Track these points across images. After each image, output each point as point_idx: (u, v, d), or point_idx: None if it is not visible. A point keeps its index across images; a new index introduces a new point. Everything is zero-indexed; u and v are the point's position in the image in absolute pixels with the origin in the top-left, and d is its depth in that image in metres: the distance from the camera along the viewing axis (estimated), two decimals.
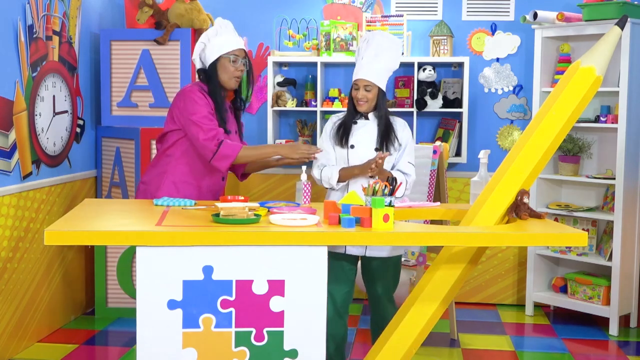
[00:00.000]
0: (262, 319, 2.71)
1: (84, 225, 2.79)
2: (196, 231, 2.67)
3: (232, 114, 3.73)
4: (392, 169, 3.53)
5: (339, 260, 3.49)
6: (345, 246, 3.45)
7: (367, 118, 3.54)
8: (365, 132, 3.52)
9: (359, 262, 3.61)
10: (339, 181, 3.49)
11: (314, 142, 5.36)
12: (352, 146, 3.51)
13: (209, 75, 3.59)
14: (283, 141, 5.25)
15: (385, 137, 3.50)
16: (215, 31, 3.60)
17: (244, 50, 3.62)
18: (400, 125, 3.56)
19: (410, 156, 3.56)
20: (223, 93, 3.61)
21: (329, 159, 3.56)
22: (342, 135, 3.53)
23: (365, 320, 4.93)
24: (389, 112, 3.57)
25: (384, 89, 3.51)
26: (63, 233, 2.64)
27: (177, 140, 3.63)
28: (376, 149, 3.49)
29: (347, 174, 3.48)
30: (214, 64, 3.57)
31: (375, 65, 3.46)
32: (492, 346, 4.50)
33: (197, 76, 3.68)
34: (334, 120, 3.61)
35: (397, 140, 3.52)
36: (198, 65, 3.66)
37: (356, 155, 3.49)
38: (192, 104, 3.51)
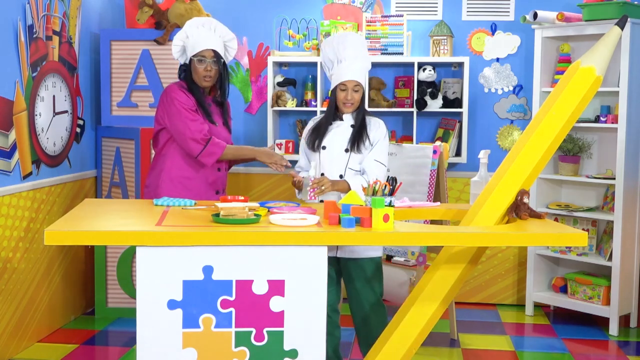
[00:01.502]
0: (262, 319, 2.71)
1: (84, 225, 2.79)
2: (196, 231, 2.67)
3: (218, 107, 3.87)
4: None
5: None
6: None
7: (341, 119, 3.55)
8: (339, 133, 3.52)
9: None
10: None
11: None
12: (324, 147, 3.52)
13: (186, 74, 3.80)
14: (283, 141, 5.30)
15: (358, 137, 3.48)
16: (185, 34, 3.78)
17: (212, 50, 3.73)
18: (374, 125, 3.53)
19: (380, 154, 3.50)
20: (202, 90, 3.78)
21: (301, 166, 3.65)
22: (315, 138, 3.55)
23: None
24: (366, 112, 3.57)
25: (365, 89, 3.51)
26: (63, 233, 2.64)
27: (168, 139, 3.79)
28: (346, 150, 3.49)
29: (300, 185, 3.50)
30: (189, 64, 3.77)
31: (358, 65, 3.48)
32: (492, 346, 4.50)
33: (178, 75, 3.87)
34: (310, 126, 3.63)
35: (369, 139, 3.50)
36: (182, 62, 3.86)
37: (327, 157, 3.50)
38: (174, 102, 3.69)
